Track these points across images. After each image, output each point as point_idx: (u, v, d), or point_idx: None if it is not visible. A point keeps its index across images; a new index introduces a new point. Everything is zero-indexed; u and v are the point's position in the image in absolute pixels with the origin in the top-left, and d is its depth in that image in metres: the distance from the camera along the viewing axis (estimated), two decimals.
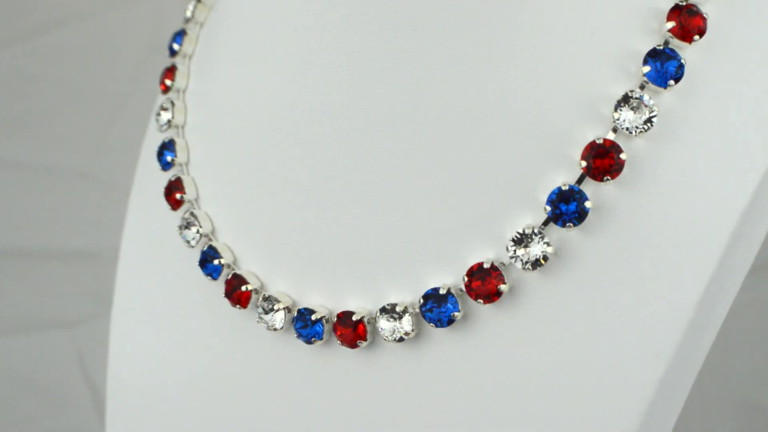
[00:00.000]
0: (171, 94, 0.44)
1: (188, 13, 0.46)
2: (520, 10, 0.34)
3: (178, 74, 0.44)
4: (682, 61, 0.33)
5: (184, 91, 0.44)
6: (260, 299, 0.38)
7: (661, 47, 0.33)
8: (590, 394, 0.33)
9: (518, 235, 0.33)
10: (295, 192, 0.38)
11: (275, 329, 0.38)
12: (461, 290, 0.34)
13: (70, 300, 0.86)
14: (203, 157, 0.42)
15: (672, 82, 0.33)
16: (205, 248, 0.40)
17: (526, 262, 0.33)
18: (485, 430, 0.35)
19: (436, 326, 0.35)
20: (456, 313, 0.34)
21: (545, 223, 0.33)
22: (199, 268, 0.40)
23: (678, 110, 0.33)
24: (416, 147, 0.35)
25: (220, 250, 0.40)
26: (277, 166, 0.38)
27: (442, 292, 0.35)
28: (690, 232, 0.33)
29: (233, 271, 0.39)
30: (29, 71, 0.89)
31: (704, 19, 0.33)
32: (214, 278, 0.40)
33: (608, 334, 0.33)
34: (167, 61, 0.45)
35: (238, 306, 0.39)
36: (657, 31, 0.34)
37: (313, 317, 0.37)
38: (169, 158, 0.42)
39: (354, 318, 0.36)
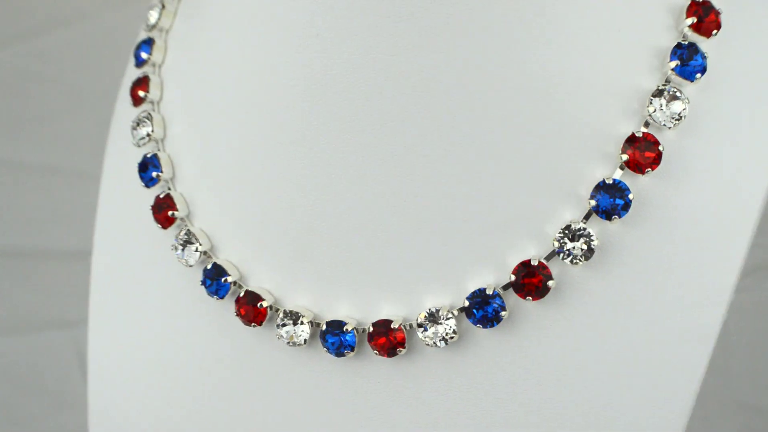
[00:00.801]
0: (146, 106, 0.42)
1: (152, 20, 0.43)
2: (550, 7, 0.34)
3: (152, 85, 0.42)
4: (706, 54, 0.33)
5: (158, 102, 0.42)
6: (281, 315, 0.37)
7: (686, 42, 0.33)
8: (644, 379, 0.34)
9: (565, 230, 0.34)
10: (310, 202, 0.36)
11: (297, 344, 0.37)
12: (503, 289, 0.34)
13: (70, 300, 0.85)
14: (192, 171, 0.40)
15: (698, 75, 0.33)
16: (208, 266, 0.38)
17: (573, 256, 0.33)
18: (535, 428, 0.35)
19: (483, 327, 0.34)
20: (503, 312, 0.34)
21: (587, 217, 0.34)
22: (188, 287, 0.39)
23: (699, 103, 0.34)
24: (445, 147, 0.35)
25: (226, 267, 0.38)
26: (286, 176, 0.37)
27: (489, 292, 0.34)
28: (719, 219, 0.33)
29: (245, 289, 0.37)
30: (29, 71, 0.88)
31: (719, 14, 0.34)
32: (221, 297, 0.38)
33: (655, 320, 0.33)
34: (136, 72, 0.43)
35: (253, 324, 0.37)
36: (674, 27, 0.35)
37: (346, 328, 0.36)
38: (154, 174, 0.40)
39: (393, 326, 0.35)
